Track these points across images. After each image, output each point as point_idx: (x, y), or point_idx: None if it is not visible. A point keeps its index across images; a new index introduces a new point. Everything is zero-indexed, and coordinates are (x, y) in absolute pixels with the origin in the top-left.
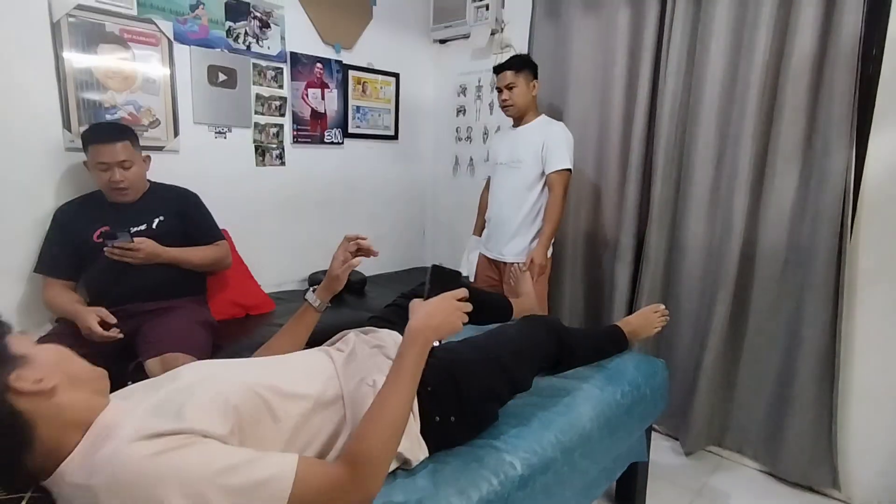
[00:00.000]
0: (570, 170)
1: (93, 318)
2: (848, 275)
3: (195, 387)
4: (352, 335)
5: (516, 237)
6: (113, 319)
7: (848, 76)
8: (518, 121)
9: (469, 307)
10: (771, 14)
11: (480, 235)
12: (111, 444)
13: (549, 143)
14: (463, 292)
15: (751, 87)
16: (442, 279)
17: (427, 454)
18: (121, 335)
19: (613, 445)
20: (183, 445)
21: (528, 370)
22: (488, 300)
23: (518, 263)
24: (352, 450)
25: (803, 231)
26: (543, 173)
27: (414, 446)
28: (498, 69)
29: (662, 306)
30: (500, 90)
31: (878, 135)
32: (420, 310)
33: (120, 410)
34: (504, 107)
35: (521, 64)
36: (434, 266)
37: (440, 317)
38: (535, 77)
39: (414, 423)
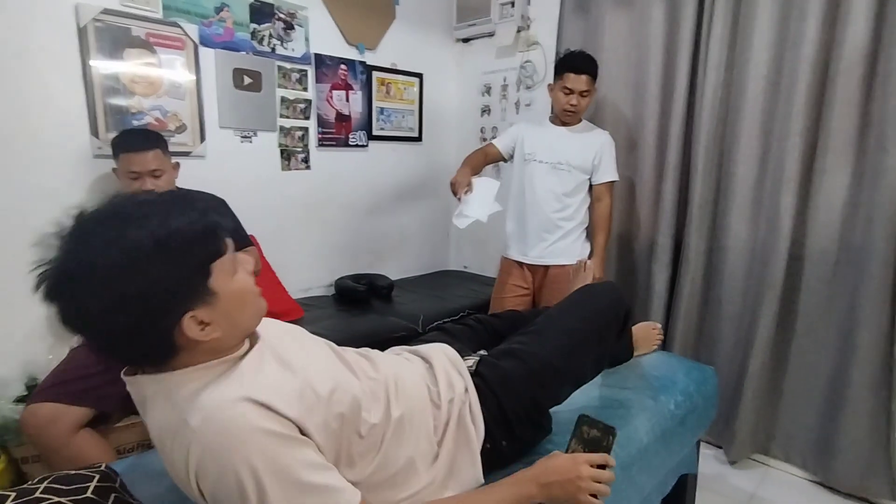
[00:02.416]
0: (617, 180)
1: None
2: None
3: (319, 373)
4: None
5: (563, 240)
6: None
7: None
8: (561, 121)
9: (611, 476)
10: (819, 3)
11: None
12: (223, 388)
13: (603, 154)
14: (603, 458)
15: (798, 82)
16: (587, 436)
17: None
18: None
19: (668, 458)
20: (284, 437)
21: (593, 357)
22: (524, 321)
23: (585, 261)
24: None
25: (856, 230)
26: (588, 180)
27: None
28: (575, 69)
29: (659, 325)
30: (568, 91)
31: None
32: (542, 463)
33: (249, 354)
34: (568, 111)
35: (597, 72)
36: (582, 416)
37: (558, 479)
38: None
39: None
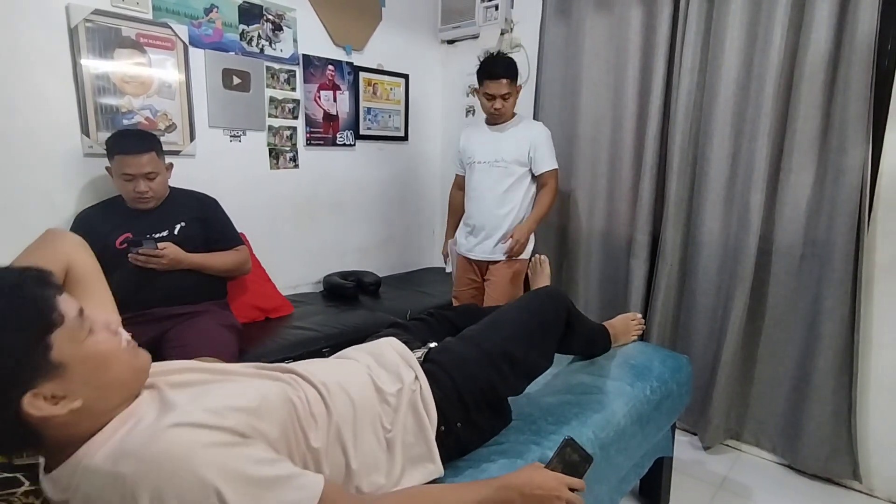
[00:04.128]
0: (558, 168)
1: None
2: (865, 268)
3: (229, 383)
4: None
5: (509, 237)
6: None
7: (864, 73)
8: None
9: (581, 502)
10: (785, 12)
11: (454, 236)
12: (143, 429)
13: (537, 144)
14: (581, 484)
15: (766, 85)
16: (568, 458)
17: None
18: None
19: (644, 440)
20: (227, 444)
21: (540, 349)
22: (480, 312)
23: (541, 257)
24: None
25: (820, 226)
26: (528, 172)
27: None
28: (492, 75)
29: (640, 315)
30: (490, 97)
31: (894, 130)
32: (528, 473)
33: (149, 401)
34: (494, 114)
35: (515, 72)
36: (568, 439)
37: (541, 493)
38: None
39: (434, 463)
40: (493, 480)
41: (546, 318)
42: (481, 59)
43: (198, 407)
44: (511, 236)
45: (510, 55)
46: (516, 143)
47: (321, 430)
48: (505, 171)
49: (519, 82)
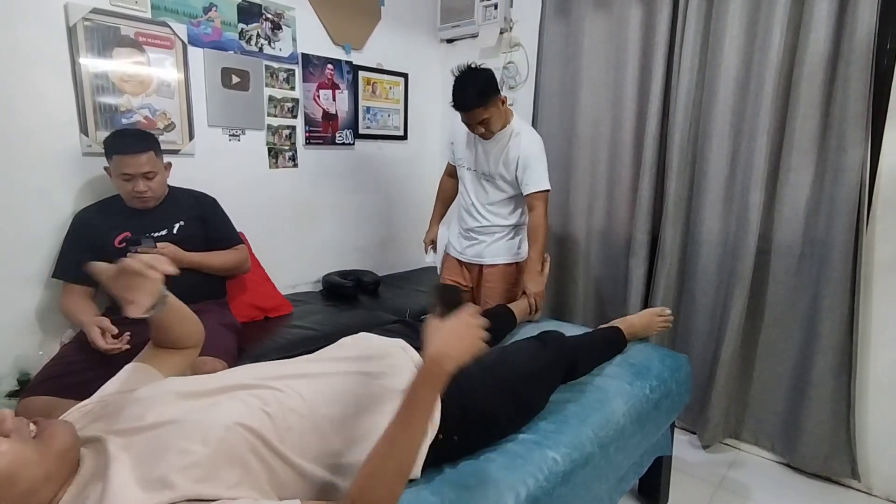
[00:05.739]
0: (549, 189)
1: (95, 331)
2: (864, 267)
3: (170, 439)
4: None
5: (497, 242)
6: (114, 330)
7: (863, 72)
8: None
9: (485, 321)
10: (785, 11)
11: (438, 225)
12: None
13: (525, 163)
14: (471, 308)
15: (765, 84)
16: (442, 297)
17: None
18: (128, 346)
19: (644, 439)
20: None
21: (542, 394)
22: (493, 315)
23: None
24: (355, 494)
25: (819, 225)
26: (518, 187)
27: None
28: (463, 108)
29: (668, 311)
30: (469, 124)
31: (893, 129)
32: (435, 337)
33: (91, 470)
34: (482, 136)
35: (486, 93)
36: (436, 285)
37: (457, 343)
38: (499, 91)
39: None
40: (416, 378)
41: (551, 374)
42: (454, 74)
43: (140, 483)
44: (525, 291)
45: (484, 66)
46: (504, 161)
47: (304, 437)
48: (492, 185)
49: (504, 91)
